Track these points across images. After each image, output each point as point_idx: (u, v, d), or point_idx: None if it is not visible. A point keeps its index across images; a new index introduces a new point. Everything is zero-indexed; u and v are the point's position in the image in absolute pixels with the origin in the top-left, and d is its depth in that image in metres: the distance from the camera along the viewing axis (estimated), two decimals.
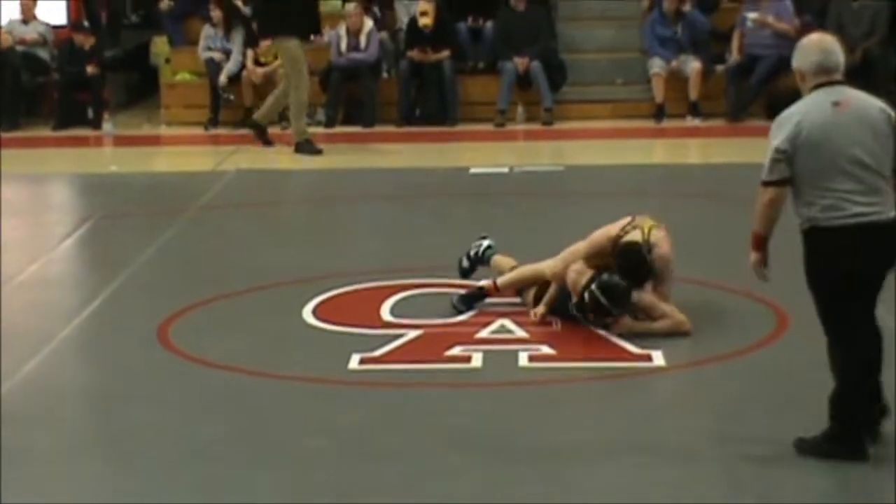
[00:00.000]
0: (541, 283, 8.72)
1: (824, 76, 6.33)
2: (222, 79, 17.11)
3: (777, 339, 8.29)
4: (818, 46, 6.36)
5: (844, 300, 6.31)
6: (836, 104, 6.27)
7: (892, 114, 6.34)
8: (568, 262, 8.54)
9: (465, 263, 9.32)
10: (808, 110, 6.30)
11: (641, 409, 7.29)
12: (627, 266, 8.26)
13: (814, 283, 6.37)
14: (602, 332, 8.33)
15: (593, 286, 8.21)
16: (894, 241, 6.30)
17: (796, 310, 8.54)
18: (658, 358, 7.93)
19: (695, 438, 6.76)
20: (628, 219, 8.54)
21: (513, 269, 9.00)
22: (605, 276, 8.23)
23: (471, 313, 8.81)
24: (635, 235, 8.40)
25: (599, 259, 8.44)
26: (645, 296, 8.36)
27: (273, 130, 16.67)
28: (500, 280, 8.90)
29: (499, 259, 9.16)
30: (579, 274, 8.39)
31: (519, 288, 8.92)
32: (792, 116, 6.31)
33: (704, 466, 6.43)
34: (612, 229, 8.49)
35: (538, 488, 6.21)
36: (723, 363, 7.93)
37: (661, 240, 8.42)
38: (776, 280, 8.94)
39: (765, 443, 6.64)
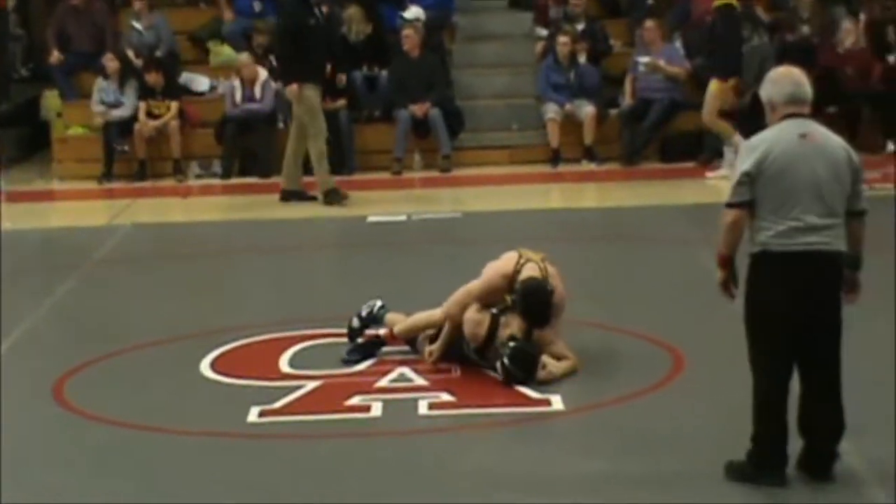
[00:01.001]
0: (436, 330, 8.70)
1: (794, 107, 6.47)
2: (115, 132, 16.98)
3: (673, 379, 8.34)
4: (790, 78, 6.51)
5: (775, 322, 6.39)
6: (802, 136, 6.41)
7: (855, 155, 6.46)
8: (462, 303, 8.49)
9: (356, 323, 9.11)
10: (776, 139, 6.42)
11: (542, 454, 7.29)
12: (532, 308, 8.23)
13: (751, 303, 6.45)
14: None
15: (505, 359, 8.16)
16: (838, 272, 6.42)
17: (692, 351, 8.64)
18: (557, 402, 7.94)
19: (595, 479, 6.77)
20: (515, 254, 8.52)
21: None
22: (513, 345, 8.17)
23: (370, 362, 8.78)
24: (532, 270, 8.38)
25: (494, 297, 8.42)
26: (545, 335, 8.36)
27: (168, 182, 16.64)
28: (397, 328, 8.88)
29: (393, 316, 9.05)
30: (477, 324, 8.37)
31: (412, 338, 8.89)
32: (760, 143, 6.44)
33: None
34: (505, 266, 8.44)
35: None
36: (621, 405, 7.96)
37: (556, 276, 8.45)
38: (672, 322, 9.06)
39: (663, 481, 6.67)
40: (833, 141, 6.49)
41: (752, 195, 6.39)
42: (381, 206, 14.94)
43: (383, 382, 8.41)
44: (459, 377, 8.46)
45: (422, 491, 6.74)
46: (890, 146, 16.84)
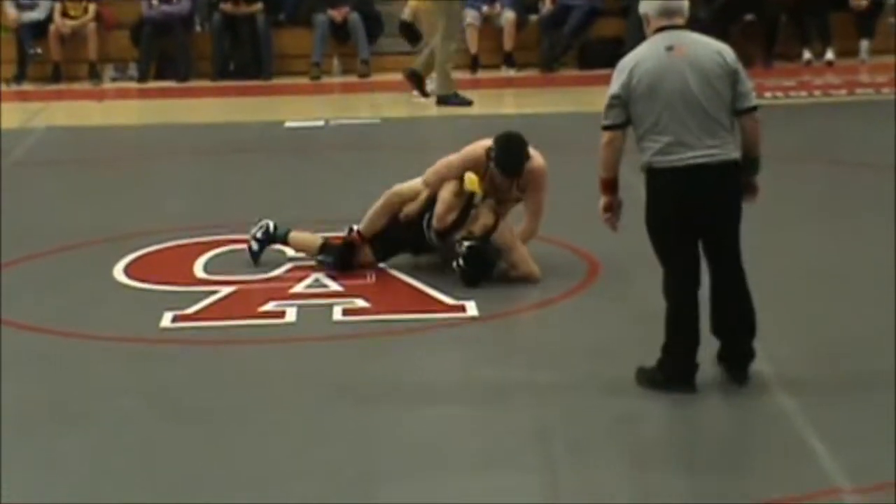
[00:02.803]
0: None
1: (665, 19, 6.43)
2: (29, 33, 16.71)
3: (588, 286, 8.39)
4: None
5: (674, 236, 6.46)
6: (669, 49, 6.38)
7: (730, 57, 6.42)
8: (442, 176, 8.45)
9: (255, 247, 8.82)
10: (643, 56, 6.42)
11: (455, 360, 7.32)
12: (505, 154, 8.25)
13: (648, 219, 6.51)
14: (416, 284, 8.36)
15: (460, 260, 8.20)
16: (728, 181, 6.42)
17: (607, 259, 8.68)
18: (472, 308, 7.96)
19: (506, 386, 6.81)
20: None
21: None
22: (468, 244, 8.22)
23: (285, 267, 8.75)
24: None
25: (474, 168, 8.36)
26: (506, 234, 8.37)
27: (83, 85, 16.41)
28: (361, 225, 8.70)
29: (298, 235, 8.85)
30: (449, 208, 8.31)
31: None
32: (628, 63, 6.43)
33: (515, 413, 6.49)
34: (485, 141, 8.44)
35: (351, 438, 6.21)
36: (535, 312, 8.00)
37: (536, 153, 8.44)
38: (588, 229, 9.10)
39: (575, 389, 6.72)
40: (706, 48, 6.43)
41: (624, 117, 6.41)
42: (299, 111, 14.84)
43: (298, 288, 8.40)
44: (374, 283, 8.46)
45: (334, 397, 6.74)
46: (806, 54, 16.93)
